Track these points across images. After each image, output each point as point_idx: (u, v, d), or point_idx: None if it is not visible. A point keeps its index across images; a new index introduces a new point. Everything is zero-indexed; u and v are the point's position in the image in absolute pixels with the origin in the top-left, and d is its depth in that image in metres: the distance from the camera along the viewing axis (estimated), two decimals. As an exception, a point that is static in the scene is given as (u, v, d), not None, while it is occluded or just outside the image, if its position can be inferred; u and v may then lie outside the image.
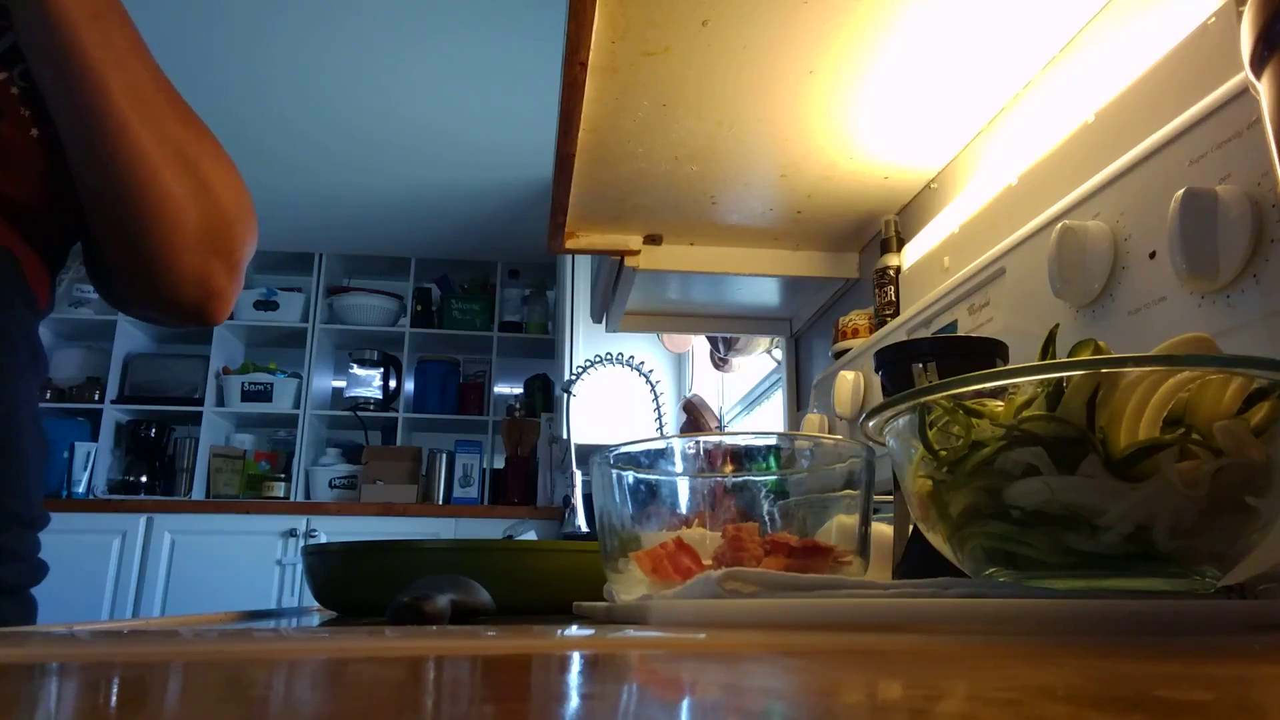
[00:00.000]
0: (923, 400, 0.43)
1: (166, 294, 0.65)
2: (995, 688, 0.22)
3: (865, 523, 0.54)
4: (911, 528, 0.59)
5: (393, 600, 0.47)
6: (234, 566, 3.22)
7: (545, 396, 3.91)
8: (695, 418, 2.74)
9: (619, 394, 3.02)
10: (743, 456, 0.56)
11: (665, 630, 0.38)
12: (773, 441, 0.61)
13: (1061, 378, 0.40)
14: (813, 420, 1.26)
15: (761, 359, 2.41)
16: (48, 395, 3.58)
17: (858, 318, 1.26)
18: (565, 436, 2.69)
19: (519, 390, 4.09)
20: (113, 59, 0.60)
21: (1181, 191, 0.58)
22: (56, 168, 0.62)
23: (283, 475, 3.77)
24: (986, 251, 0.89)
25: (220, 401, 3.80)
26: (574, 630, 0.42)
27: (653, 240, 1.43)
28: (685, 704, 0.20)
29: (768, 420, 2.47)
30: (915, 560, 0.57)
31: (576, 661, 0.28)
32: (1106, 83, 0.84)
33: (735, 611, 0.39)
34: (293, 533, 3.32)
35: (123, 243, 0.63)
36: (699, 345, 2.99)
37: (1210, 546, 0.39)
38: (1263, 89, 0.37)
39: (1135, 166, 0.68)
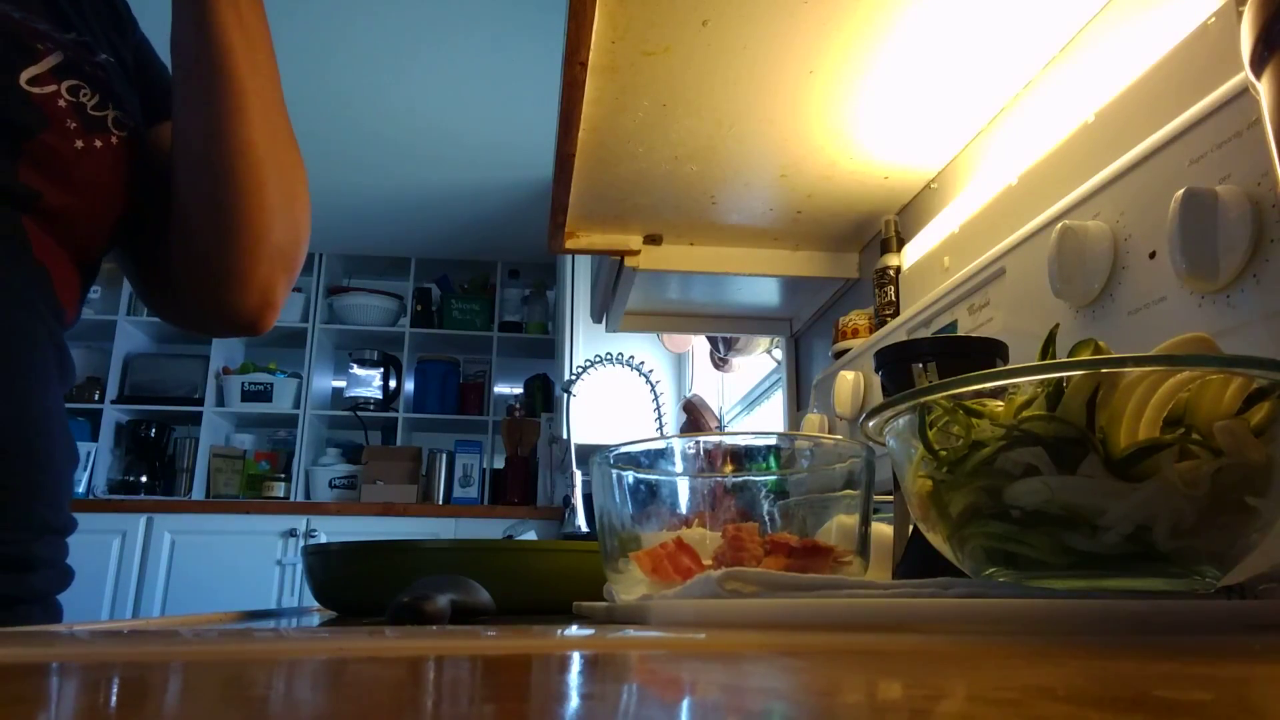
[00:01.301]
0: (923, 400, 0.43)
1: (232, 302, 0.68)
2: (995, 688, 0.22)
3: (865, 523, 0.54)
4: (911, 528, 0.59)
5: (393, 600, 0.47)
6: (234, 566, 3.23)
7: (545, 396, 3.92)
8: (695, 418, 2.74)
9: (619, 394, 3.02)
10: (743, 456, 0.56)
11: (665, 630, 0.38)
12: (773, 441, 0.61)
13: (1061, 378, 0.40)
14: (813, 420, 1.26)
15: (761, 359, 2.41)
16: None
17: (858, 318, 1.26)
18: (565, 436, 2.69)
19: (519, 390, 4.09)
20: (256, 86, 0.65)
21: (1181, 191, 0.58)
22: (99, 179, 0.63)
23: (283, 475, 3.77)
24: (986, 251, 0.89)
25: (220, 401, 3.80)
26: (574, 630, 0.42)
27: (653, 240, 1.43)
28: (685, 704, 0.20)
29: (768, 420, 2.47)
30: (915, 560, 0.57)
31: (576, 661, 0.28)
32: (1106, 83, 0.84)
33: (735, 611, 0.39)
34: (293, 533, 3.32)
35: (207, 249, 0.66)
36: (699, 345, 2.99)
37: (1210, 546, 0.39)
38: (1263, 89, 0.37)
39: (1135, 166, 0.68)
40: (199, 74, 0.64)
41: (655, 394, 2.60)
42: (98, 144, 0.62)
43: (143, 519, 3.25)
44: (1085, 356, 0.42)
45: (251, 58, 0.64)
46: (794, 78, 0.99)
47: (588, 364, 2.50)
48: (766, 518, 0.53)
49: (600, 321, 1.84)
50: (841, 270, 1.49)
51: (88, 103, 0.62)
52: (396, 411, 3.94)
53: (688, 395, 2.97)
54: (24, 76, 0.60)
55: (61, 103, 0.61)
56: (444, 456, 3.72)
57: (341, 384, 4.13)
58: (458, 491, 3.72)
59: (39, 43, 0.62)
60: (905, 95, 1.03)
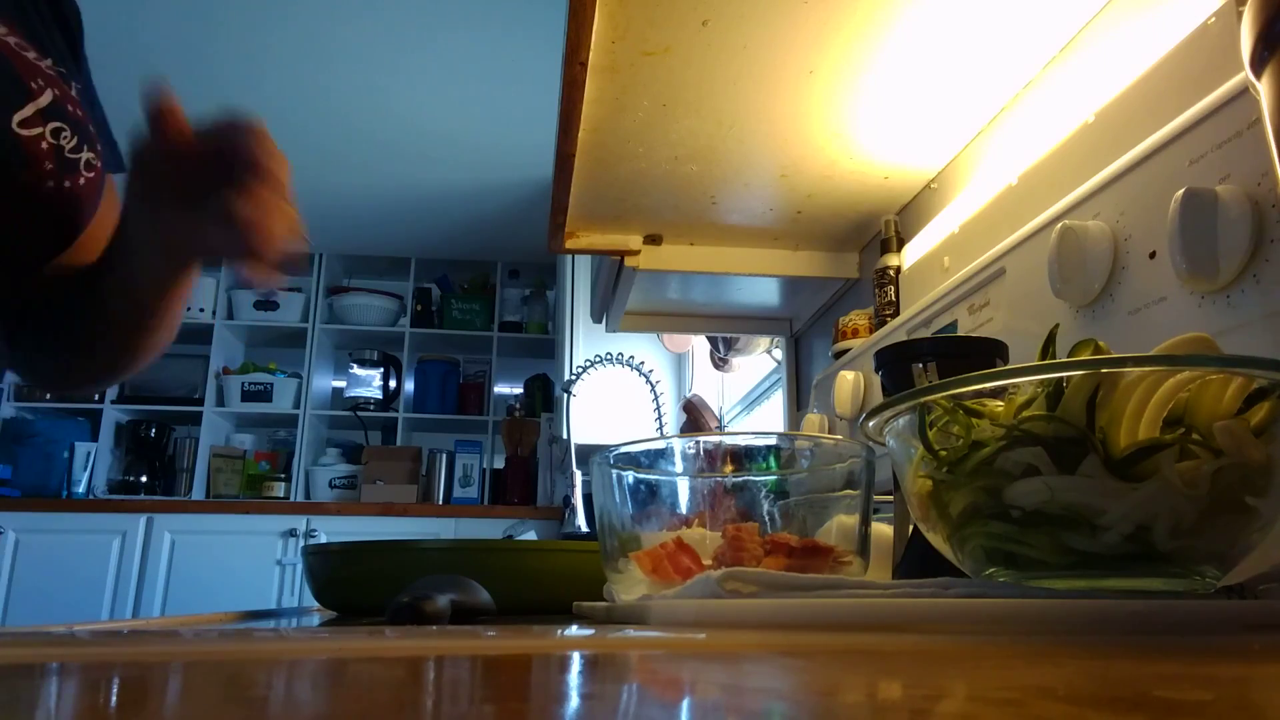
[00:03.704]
0: (923, 400, 0.43)
1: (93, 386, 0.81)
2: (995, 688, 0.22)
3: (865, 523, 0.54)
4: (911, 528, 0.59)
5: (393, 600, 0.47)
6: (234, 566, 3.22)
7: (545, 396, 3.91)
8: (695, 418, 2.73)
9: (619, 394, 3.02)
10: (743, 456, 0.56)
11: (665, 630, 0.38)
12: (773, 441, 0.61)
13: (1061, 378, 0.40)
14: (813, 420, 1.26)
15: (761, 359, 2.41)
16: (48, 396, 3.57)
17: (858, 318, 1.26)
18: (565, 436, 2.69)
19: (519, 390, 4.08)
20: (165, 324, 0.71)
21: (1181, 191, 0.58)
22: (68, 218, 0.65)
23: (283, 475, 3.77)
24: (986, 251, 0.89)
25: (220, 401, 3.80)
26: (574, 630, 0.42)
27: (653, 240, 1.43)
28: (685, 704, 0.20)
29: (768, 420, 2.47)
30: (915, 560, 0.57)
31: (576, 661, 0.29)
32: (1106, 83, 0.84)
33: (735, 611, 0.39)
34: (293, 533, 3.32)
35: (91, 364, 0.75)
36: (699, 345, 2.99)
37: (1210, 546, 0.39)
38: (1263, 89, 0.37)
39: (1135, 166, 0.68)
40: (114, 307, 0.67)
41: (655, 394, 2.59)
42: (66, 184, 0.64)
43: (143, 519, 3.25)
44: (1085, 356, 0.42)
45: (169, 314, 0.69)
46: (794, 78, 0.99)
47: (588, 364, 2.50)
48: (766, 518, 0.53)
49: (600, 321, 1.84)
50: (841, 270, 1.49)
51: (66, 145, 0.64)
52: (396, 411, 3.94)
53: (688, 395, 2.97)
54: (16, 119, 0.61)
55: (44, 145, 0.62)
56: (444, 456, 3.72)
57: (341, 384, 4.13)
58: (458, 491, 3.72)
59: (33, 80, 0.63)
60: (905, 95, 1.03)
